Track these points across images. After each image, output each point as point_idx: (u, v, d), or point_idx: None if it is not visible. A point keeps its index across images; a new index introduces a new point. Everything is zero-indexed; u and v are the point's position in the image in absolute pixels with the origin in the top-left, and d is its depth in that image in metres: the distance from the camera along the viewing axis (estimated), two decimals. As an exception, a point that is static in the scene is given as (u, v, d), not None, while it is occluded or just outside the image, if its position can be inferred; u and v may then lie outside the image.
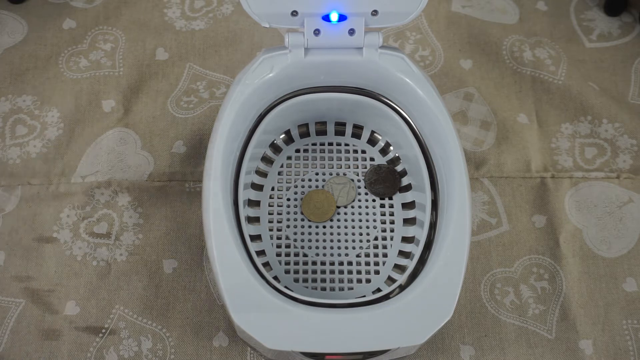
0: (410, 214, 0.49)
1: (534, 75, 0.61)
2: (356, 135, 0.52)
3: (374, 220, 0.49)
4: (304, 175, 0.51)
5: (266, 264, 0.47)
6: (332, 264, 0.48)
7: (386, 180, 0.50)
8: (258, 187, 0.50)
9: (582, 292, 0.50)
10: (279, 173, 0.51)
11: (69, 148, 0.56)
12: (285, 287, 0.41)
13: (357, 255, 0.48)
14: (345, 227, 0.49)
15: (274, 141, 0.51)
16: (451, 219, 0.41)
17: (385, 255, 0.48)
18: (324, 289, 0.47)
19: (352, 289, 0.47)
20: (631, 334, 0.49)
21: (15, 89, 0.59)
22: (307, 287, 0.47)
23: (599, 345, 0.48)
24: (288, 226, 0.49)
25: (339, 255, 0.48)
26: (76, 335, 0.48)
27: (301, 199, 0.50)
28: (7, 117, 0.58)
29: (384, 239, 0.49)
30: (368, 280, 0.47)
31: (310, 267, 0.48)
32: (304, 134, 0.52)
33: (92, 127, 0.58)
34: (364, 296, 0.43)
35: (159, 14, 0.64)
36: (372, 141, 0.52)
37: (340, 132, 0.52)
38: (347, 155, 0.52)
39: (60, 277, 0.51)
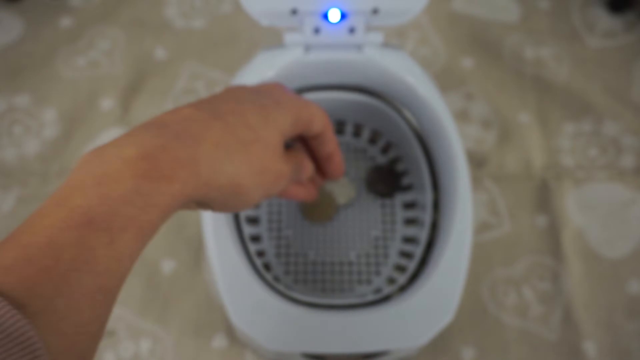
0: (411, 214, 0.48)
1: (536, 74, 0.60)
2: (356, 134, 0.52)
3: (374, 220, 0.49)
4: (303, 174, 0.51)
5: (266, 264, 0.47)
6: (332, 264, 0.47)
7: (386, 180, 0.50)
8: (257, 187, 0.50)
9: (585, 293, 0.50)
10: (279, 173, 0.51)
11: (66, 148, 0.56)
12: (285, 287, 0.41)
13: (358, 256, 0.48)
14: (346, 227, 0.49)
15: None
16: (452, 219, 0.41)
17: (385, 256, 0.48)
18: (324, 289, 0.46)
19: (352, 289, 0.46)
20: (635, 335, 0.48)
21: (12, 88, 0.59)
22: (307, 288, 0.46)
23: (602, 347, 0.48)
24: (288, 226, 0.49)
25: (339, 255, 0.48)
26: (74, 337, 0.48)
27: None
28: (3, 116, 0.57)
29: (385, 239, 0.48)
30: (369, 281, 0.47)
31: (310, 267, 0.47)
32: (304, 133, 0.52)
33: (89, 126, 0.57)
34: (365, 297, 0.42)
35: (158, 13, 0.63)
36: (372, 140, 0.52)
37: (340, 131, 0.52)
38: (347, 155, 0.52)
39: (57, 278, 0.50)
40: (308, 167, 0.35)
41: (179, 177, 0.23)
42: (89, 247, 0.20)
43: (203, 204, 0.26)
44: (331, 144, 0.35)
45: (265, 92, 0.31)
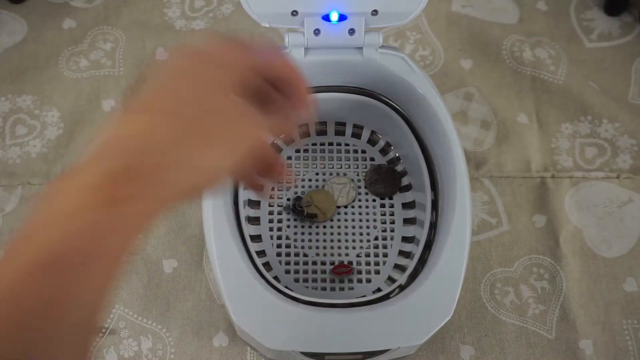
0: (410, 213, 0.49)
1: (534, 75, 0.61)
2: (356, 135, 0.52)
3: (374, 220, 0.49)
4: (304, 175, 0.51)
5: (266, 264, 0.47)
6: (332, 264, 0.48)
7: (386, 180, 0.50)
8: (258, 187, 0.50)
9: (582, 292, 0.50)
10: (279, 173, 0.51)
11: (68, 148, 0.56)
12: (286, 287, 0.41)
13: (357, 255, 0.48)
14: (346, 227, 0.49)
15: (273, 141, 0.51)
16: (451, 218, 0.41)
17: (385, 255, 0.48)
18: (324, 289, 0.47)
19: (352, 289, 0.47)
20: (631, 333, 0.49)
21: (15, 89, 0.59)
22: (307, 287, 0.47)
23: (599, 345, 0.48)
24: (288, 226, 0.49)
25: (339, 255, 0.48)
26: (76, 335, 0.48)
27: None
28: (7, 116, 0.58)
29: (384, 238, 0.49)
30: (368, 280, 0.47)
31: (310, 267, 0.48)
32: (304, 134, 0.52)
33: (92, 127, 0.57)
34: (364, 296, 0.43)
35: (159, 14, 0.64)
36: (372, 141, 0.52)
37: (340, 132, 0.52)
38: (347, 155, 0.52)
39: (60, 277, 0.50)
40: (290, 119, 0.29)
41: (141, 195, 0.22)
42: (55, 287, 0.20)
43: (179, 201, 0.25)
44: (300, 91, 0.29)
45: (206, 60, 0.27)
